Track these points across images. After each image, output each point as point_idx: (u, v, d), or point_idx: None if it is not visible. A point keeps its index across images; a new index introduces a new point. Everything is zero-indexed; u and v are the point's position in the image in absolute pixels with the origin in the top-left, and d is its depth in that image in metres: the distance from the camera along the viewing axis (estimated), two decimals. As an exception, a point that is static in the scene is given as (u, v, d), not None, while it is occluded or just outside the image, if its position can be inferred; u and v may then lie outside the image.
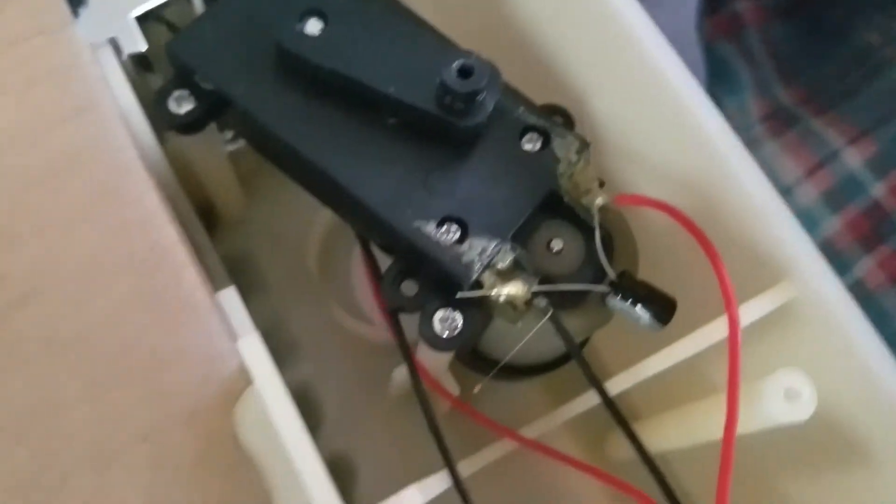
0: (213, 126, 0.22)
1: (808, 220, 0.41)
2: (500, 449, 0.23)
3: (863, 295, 0.40)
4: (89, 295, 0.18)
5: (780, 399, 0.18)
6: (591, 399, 0.22)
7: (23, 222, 0.18)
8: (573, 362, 0.25)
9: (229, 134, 0.26)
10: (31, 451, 0.17)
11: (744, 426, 0.18)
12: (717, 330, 0.19)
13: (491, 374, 0.23)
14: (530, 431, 0.23)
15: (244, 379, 0.18)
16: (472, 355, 0.25)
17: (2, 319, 0.17)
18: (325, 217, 0.31)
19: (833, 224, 0.41)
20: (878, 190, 0.41)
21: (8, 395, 0.17)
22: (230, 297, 0.19)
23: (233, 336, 0.18)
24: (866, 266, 0.40)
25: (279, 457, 0.17)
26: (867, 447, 0.20)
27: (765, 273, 0.19)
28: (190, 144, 0.23)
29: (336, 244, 0.32)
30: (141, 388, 0.17)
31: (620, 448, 0.28)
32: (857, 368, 0.18)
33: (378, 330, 0.30)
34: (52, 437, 0.17)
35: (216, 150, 0.25)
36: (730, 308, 0.17)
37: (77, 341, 0.17)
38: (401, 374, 0.27)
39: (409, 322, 0.21)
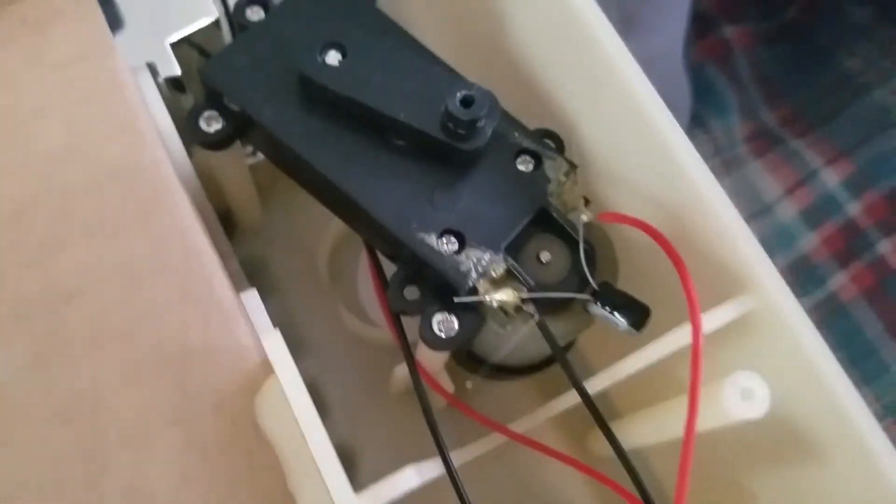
0: (236, 141, 0.24)
1: (788, 236, 0.43)
2: (490, 442, 0.25)
3: (837, 307, 0.42)
4: (130, 295, 0.20)
5: (738, 398, 0.19)
6: (574, 397, 0.24)
7: (71, 229, 0.20)
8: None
9: (250, 148, 0.29)
10: (77, 431, 0.19)
11: (705, 423, 0.20)
12: (684, 335, 0.20)
13: (482, 373, 0.25)
14: (518, 426, 0.25)
15: (265, 371, 0.19)
16: (466, 356, 0.27)
17: (53, 314, 0.19)
18: (335, 227, 0.32)
19: (811, 240, 0.43)
20: (853, 208, 0.43)
21: (58, 382, 0.19)
22: (253, 297, 0.21)
23: (254, 332, 0.20)
24: (840, 280, 0.42)
25: (294, 441, 0.18)
26: (817, 443, 0.21)
27: (728, 286, 0.21)
28: (215, 158, 0.25)
29: (345, 252, 0.33)
30: (175, 378, 0.19)
31: (601, 443, 0.30)
32: (806, 372, 0.20)
33: (380, 332, 0.32)
34: (96, 420, 0.19)
35: (238, 163, 0.27)
36: (694, 315, 0.19)
37: (119, 335, 0.19)
38: (401, 371, 0.28)
39: (409, 324, 0.22)
